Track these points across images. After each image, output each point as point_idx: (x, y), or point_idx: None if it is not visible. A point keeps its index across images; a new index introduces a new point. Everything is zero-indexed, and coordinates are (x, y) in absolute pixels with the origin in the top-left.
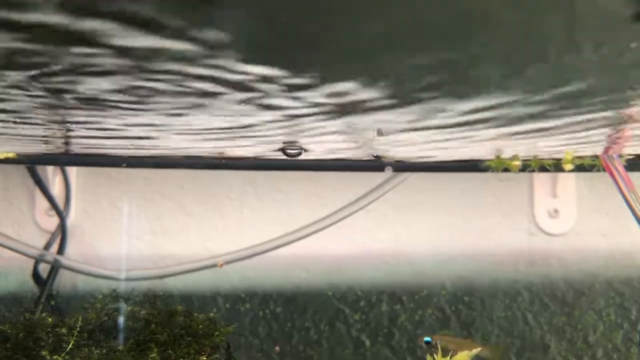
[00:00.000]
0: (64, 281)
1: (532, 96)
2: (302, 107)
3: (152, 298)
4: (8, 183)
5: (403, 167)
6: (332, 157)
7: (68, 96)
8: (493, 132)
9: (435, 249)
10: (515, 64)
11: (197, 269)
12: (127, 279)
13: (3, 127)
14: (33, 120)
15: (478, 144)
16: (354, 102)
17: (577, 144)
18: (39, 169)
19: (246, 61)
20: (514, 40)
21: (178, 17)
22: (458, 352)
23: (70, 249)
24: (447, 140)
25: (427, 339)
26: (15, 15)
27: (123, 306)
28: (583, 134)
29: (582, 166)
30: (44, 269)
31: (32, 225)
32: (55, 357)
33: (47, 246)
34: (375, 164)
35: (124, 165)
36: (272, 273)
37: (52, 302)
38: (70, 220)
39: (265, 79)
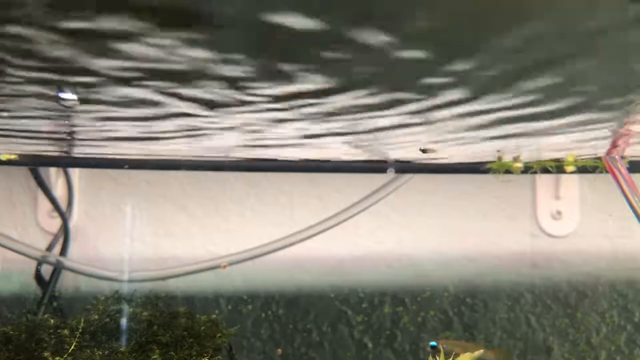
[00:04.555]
0: (67, 282)
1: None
2: None
3: (154, 299)
4: (11, 185)
5: (405, 168)
6: (335, 159)
7: None
8: (497, 133)
9: (438, 251)
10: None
11: (199, 271)
12: (130, 281)
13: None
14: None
15: (481, 145)
16: None
17: (580, 143)
18: (42, 170)
19: None
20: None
21: None
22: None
23: (73, 250)
24: (451, 140)
25: (432, 343)
26: None
27: (125, 308)
28: (586, 135)
29: (585, 168)
30: (46, 270)
31: (34, 227)
32: (57, 358)
33: (49, 248)
34: (378, 166)
35: (126, 167)
36: (274, 275)
37: (55, 304)
38: (73, 222)
39: None
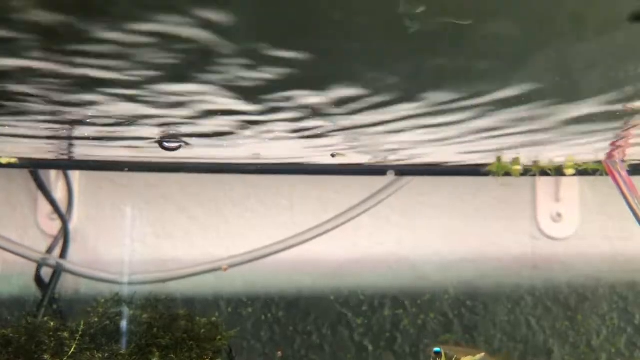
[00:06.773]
0: (67, 285)
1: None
2: None
3: (154, 302)
4: (11, 187)
5: (405, 171)
6: (335, 161)
7: None
8: (498, 137)
9: (438, 253)
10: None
11: (199, 273)
12: (130, 283)
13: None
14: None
15: (481, 148)
16: None
17: (580, 146)
18: (42, 173)
19: None
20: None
21: None
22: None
23: (73, 252)
24: (450, 143)
25: (436, 349)
26: None
27: (125, 310)
28: (586, 138)
29: (585, 170)
30: (46, 272)
31: (34, 229)
32: None
33: (49, 250)
34: (378, 168)
35: (126, 169)
36: (274, 277)
37: (55, 306)
38: (73, 224)
39: None
